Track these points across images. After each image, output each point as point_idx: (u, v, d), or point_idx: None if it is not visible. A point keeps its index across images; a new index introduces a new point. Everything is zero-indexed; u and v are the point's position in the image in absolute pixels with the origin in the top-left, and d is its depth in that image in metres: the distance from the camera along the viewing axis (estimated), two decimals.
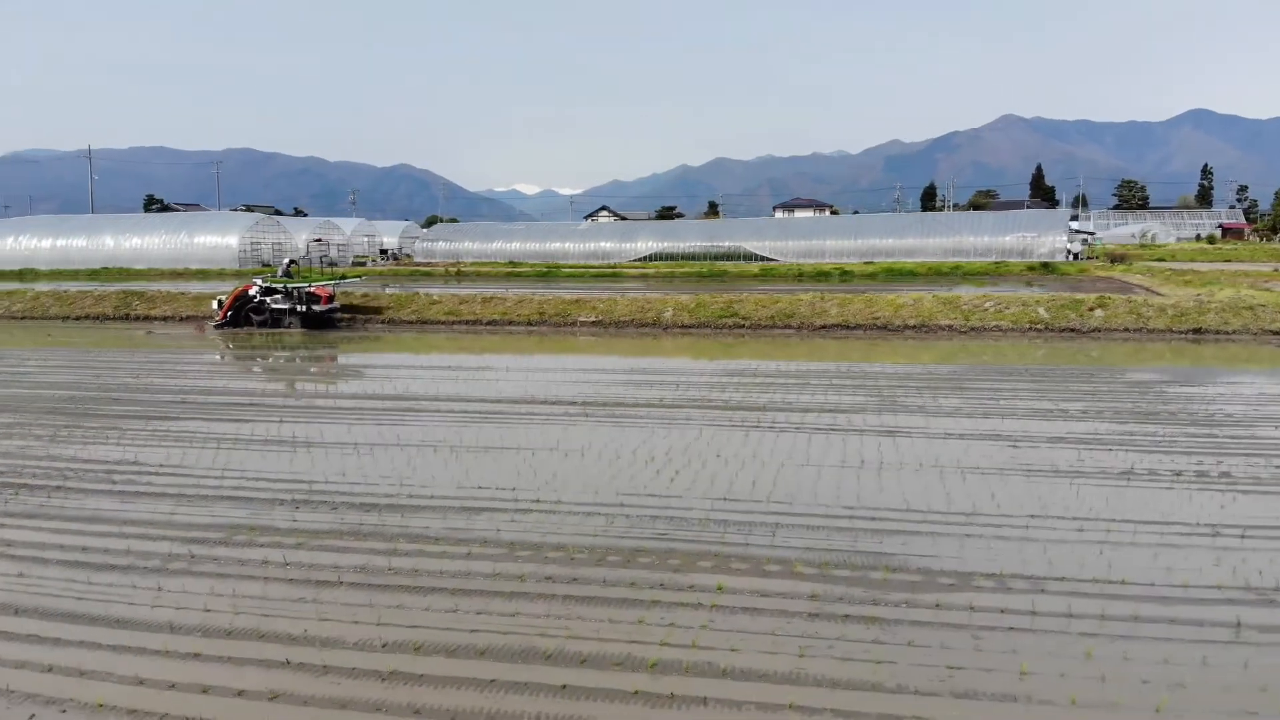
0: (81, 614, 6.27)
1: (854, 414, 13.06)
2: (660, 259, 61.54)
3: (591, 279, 47.18)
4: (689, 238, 64.21)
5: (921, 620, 6.03)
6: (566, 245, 66.15)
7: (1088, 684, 5.15)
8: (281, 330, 26.00)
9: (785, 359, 20.15)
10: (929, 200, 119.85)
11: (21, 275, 52.30)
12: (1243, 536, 7.63)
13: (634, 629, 5.90)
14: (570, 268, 55.79)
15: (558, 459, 10.40)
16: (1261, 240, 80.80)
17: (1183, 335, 23.31)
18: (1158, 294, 28.20)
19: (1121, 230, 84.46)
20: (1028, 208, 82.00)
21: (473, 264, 61.34)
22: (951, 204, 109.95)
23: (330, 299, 26.96)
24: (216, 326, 26.46)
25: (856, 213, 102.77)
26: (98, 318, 29.46)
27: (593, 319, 27.19)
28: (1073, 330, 24.10)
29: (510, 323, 27.34)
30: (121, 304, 29.78)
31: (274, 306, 26.35)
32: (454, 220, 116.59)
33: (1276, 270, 41.98)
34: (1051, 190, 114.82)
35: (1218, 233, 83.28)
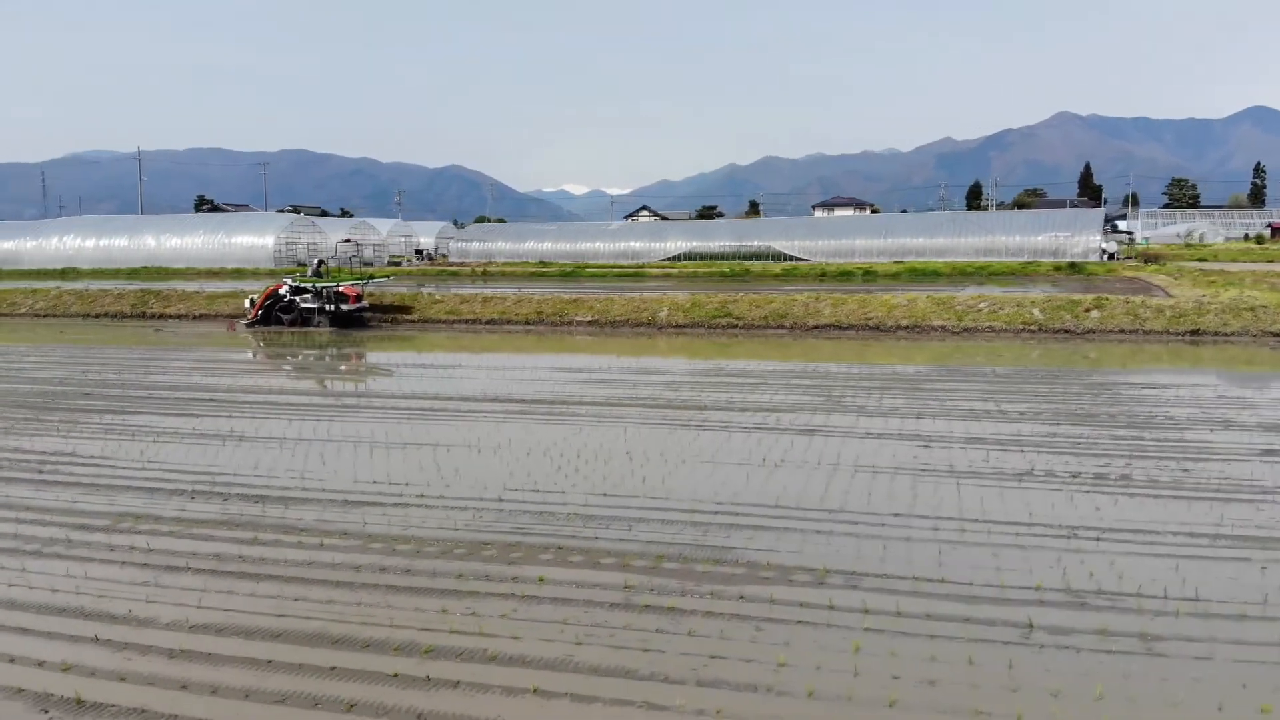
0: None
1: (790, 413, 13.13)
2: (689, 259, 61.65)
3: (615, 278, 47.48)
4: (718, 238, 64.24)
5: (715, 611, 6.16)
6: (597, 245, 66.53)
7: (836, 677, 5.24)
8: (310, 329, 26.34)
9: (762, 359, 20.23)
10: (974, 199, 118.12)
11: (64, 274, 54.05)
12: (1098, 539, 7.62)
13: (433, 617, 6.11)
14: (595, 267, 56.13)
15: (468, 455, 10.66)
16: None
17: (1180, 337, 22.90)
18: (1168, 295, 27.68)
19: (1168, 230, 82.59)
20: (1071, 206, 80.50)
21: (504, 264, 62.02)
22: (995, 202, 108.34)
23: (358, 298, 27.37)
24: (248, 325, 27.01)
25: (905, 211, 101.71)
26: (116, 315, 30.45)
27: (589, 319, 27.45)
28: (1067, 331, 23.79)
29: (508, 322, 27.71)
30: (139, 302, 30.74)
31: (303, 305, 26.86)
32: (501, 220, 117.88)
33: None
34: (1099, 189, 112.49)
35: (1266, 232, 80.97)
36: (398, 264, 66.11)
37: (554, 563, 7.09)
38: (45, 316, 30.97)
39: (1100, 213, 55.54)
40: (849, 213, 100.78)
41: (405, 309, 29.09)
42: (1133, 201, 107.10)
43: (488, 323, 27.76)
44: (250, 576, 6.89)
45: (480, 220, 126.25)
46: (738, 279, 47.02)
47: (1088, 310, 24.50)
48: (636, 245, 65.43)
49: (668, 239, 65.75)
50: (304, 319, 26.80)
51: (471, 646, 5.66)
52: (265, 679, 5.30)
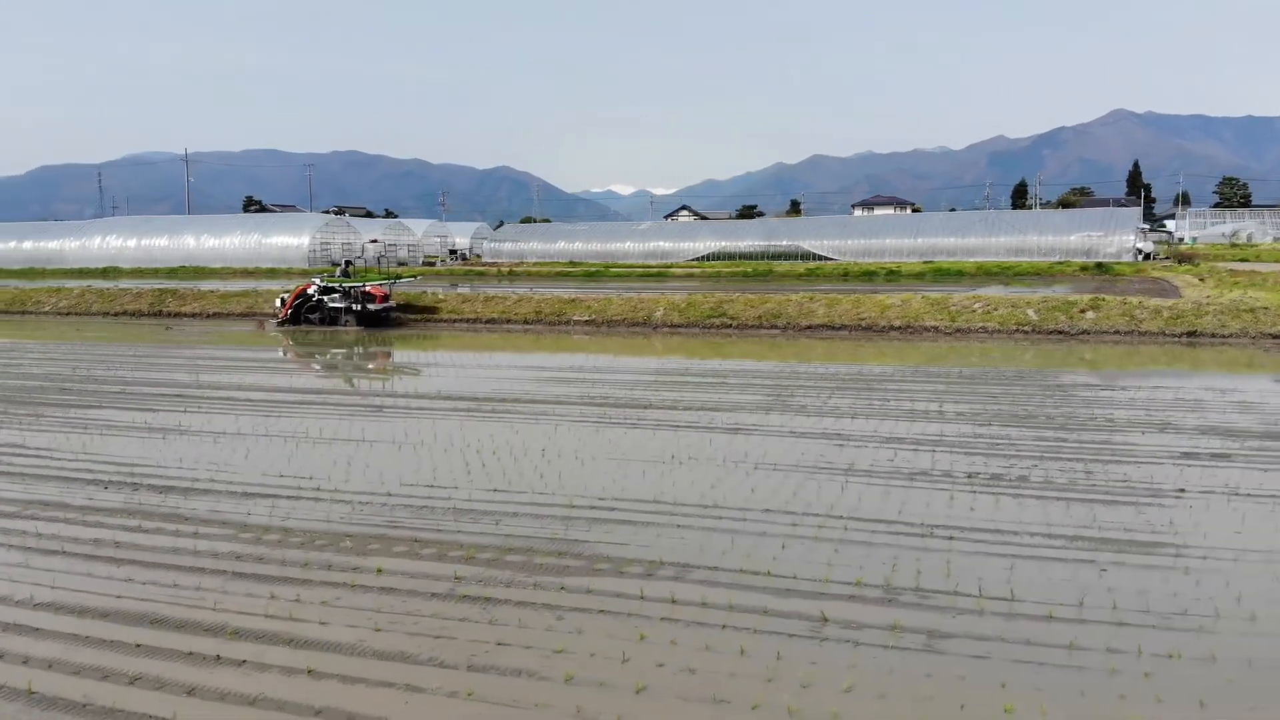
0: None
1: (728, 412, 13.26)
2: (718, 258, 61.74)
3: (639, 278, 47.75)
4: (748, 237, 64.22)
5: (528, 601, 6.37)
6: (627, 245, 66.84)
7: (603, 665, 5.42)
8: (338, 328, 26.77)
9: (738, 358, 20.37)
10: (1020, 197, 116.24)
11: (105, 273, 55.72)
12: (951, 539, 7.68)
13: (258, 602, 6.40)
14: (620, 267, 56.42)
15: (387, 451, 10.97)
16: None
17: (1176, 338, 22.53)
18: (1180, 295, 27.21)
19: (1216, 229, 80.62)
20: (1114, 206, 78.88)
21: (535, 264, 62.62)
22: (1039, 201, 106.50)
23: (385, 298, 27.70)
24: (279, 324, 27.50)
25: (953, 210, 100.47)
26: (134, 314, 31.44)
27: (586, 318, 27.72)
28: (1060, 332, 23.52)
29: (508, 321, 28.09)
30: (156, 301, 31.70)
31: (330, 305, 27.27)
32: (546, 220, 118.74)
33: None
34: (1148, 188, 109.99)
35: None
36: (432, 264, 67.02)
37: (404, 555, 7.34)
38: (68, 315, 32.07)
39: (1135, 212, 54.45)
40: (889, 212, 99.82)
41: (414, 309, 29.55)
42: (1183, 200, 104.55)
43: (487, 322, 28.17)
44: (114, 561, 7.24)
45: (526, 220, 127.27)
46: (761, 279, 47.02)
47: (1083, 311, 24.18)
48: (666, 245, 65.66)
49: (697, 239, 65.89)
50: (331, 318, 27.21)
51: (275, 630, 5.94)
52: (74, 653, 5.63)
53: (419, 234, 72.62)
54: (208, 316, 30.55)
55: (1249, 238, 75.47)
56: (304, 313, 27.65)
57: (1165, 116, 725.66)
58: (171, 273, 55.51)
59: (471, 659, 5.50)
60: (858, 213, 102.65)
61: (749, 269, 52.82)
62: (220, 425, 12.59)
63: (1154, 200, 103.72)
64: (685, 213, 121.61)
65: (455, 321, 28.40)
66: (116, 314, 31.60)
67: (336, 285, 27.74)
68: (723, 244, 63.47)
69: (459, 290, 33.73)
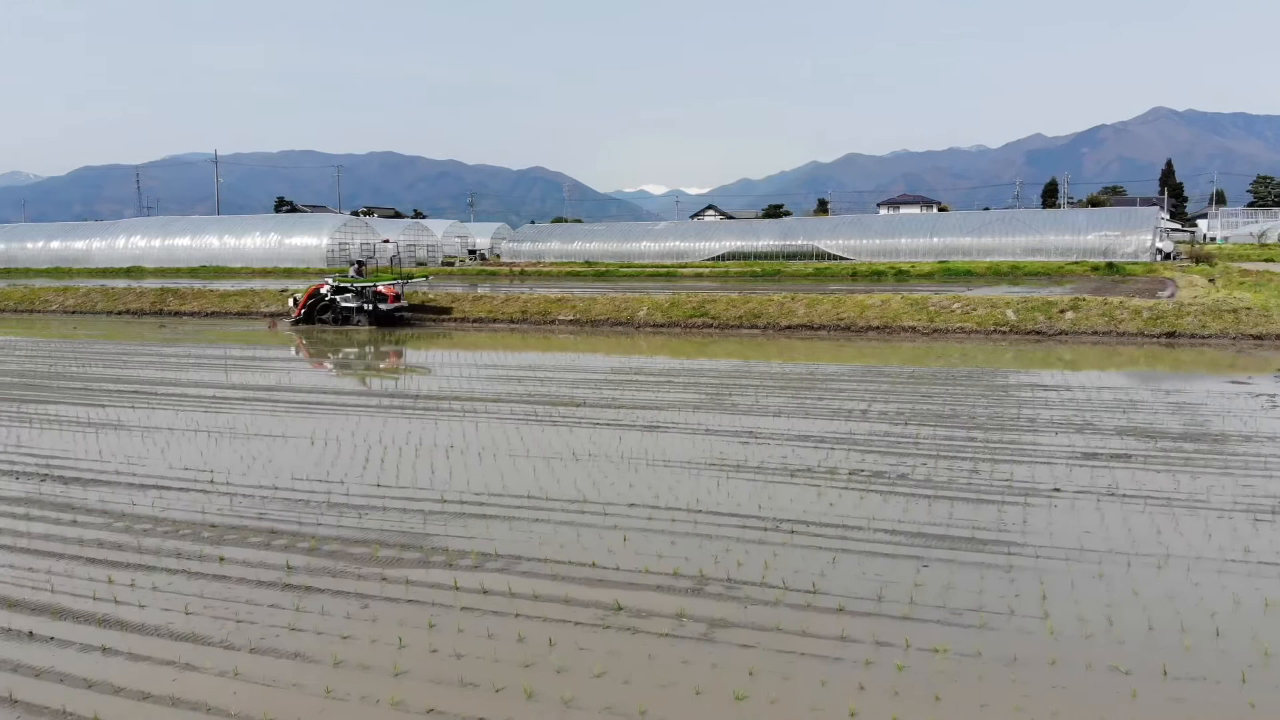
0: None
1: (656, 410, 13.43)
2: (733, 258, 61.82)
3: (648, 278, 47.98)
4: (764, 237, 64.22)
5: (345, 591, 6.60)
6: (644, 245, 67.08)
7: (379, 649, 5.62)
8: (350, 328, 27.09)
9: (698, 357, 20.50)
10: (1050, 196, 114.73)
11: (129, 272, 56.96)
12: (792, 533, 7.80)
13: (94, 585, 6.69)
14: (630, 267, 56.67)
15: (298, 447, 11.27)
16: None
17: (1155, 339, 22.34)
18: (1164, 296, 26.93)
19: (1246, 229, 79.18)
20: (1141, 205, 77.72)
21: (552, 263, 63.06)
22: (1067, 200, 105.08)
23: (397, 298, 27.99)
24: (293, 323, 27.87)
25: (987, 209, 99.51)
26: (136, 313, 32.21)
27: (570, 317, 27.98)
28: (1038, 333, 23.40)
29: (494, 320, 28.44)
30: (158, 300, 32.44)
31: (343, 305, 27.62)
32: (577, 221, 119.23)
33: None
34: (1180, 187, 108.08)
35: None
36: (451, 264, 67.71)
37: (255, 545, 7.61)
38: (73, 313, 32.92)
39: (1153, 212, 53.66)
40: (914, 211, 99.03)
41: (412, 308, 29.86)
42: (1217, 200, 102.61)
43: (474, 321, 28.52)
44: None
45: (557, 220, 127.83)
46: (770, 278, 47.07)
47: (1062, 312, 24.02)
48: (682, 245, 65.83)
49: (713, 239, 66.00)
50: (344, 318, 27.53)
51: (94, 611, 6.22)
52: None
53: (439, 234, 73.34)
54: (206, 315, 31.23)
55: (1279, 237, 74.07)
56: (317, 313, 27.92)
57: (1207, 114, 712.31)
58: (193, 272, 56.61)
59: (259, 642, 5.75)
60: (883, 211, 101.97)
61: (759, 269, 52.86)
62: (158, 420, 12.97)
63: (1185, 199, 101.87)
64: (711, 212, 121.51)
65: (444, 319, 28.74)
66: (120, 313, 32.38)
67: (349, 285, 28.01)
68: (739, 244, 63.51)
69: (449, 289, 34.11)
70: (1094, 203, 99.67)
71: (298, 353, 22.91)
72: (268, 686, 5.21)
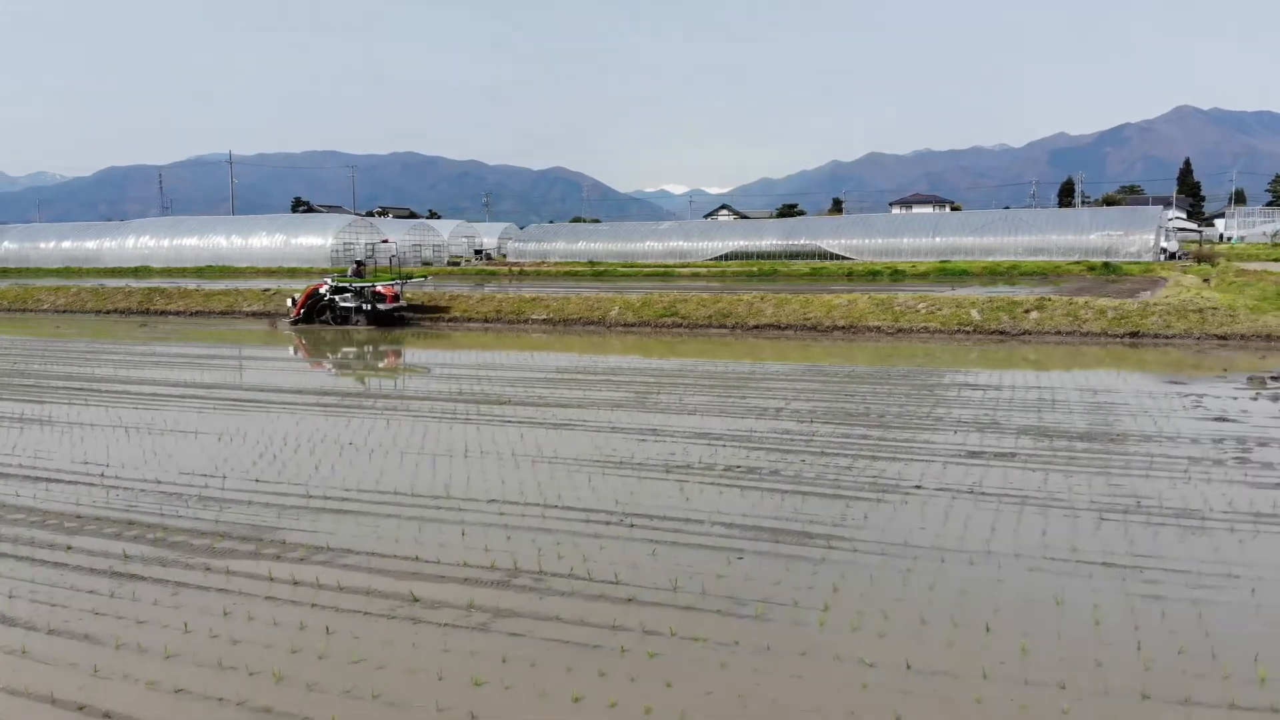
0: None
1: (577, 409, 13.60)
2: (736, 258, 61.84)
3: (644, 277, 48.14)
4: (767, 236, 64.21)
5: (162, 579, 6.83)
6: (648, 245, 67.23)
7: (164, 634, 5.83)
8: (349, 327, 27.25)
9: (649, 356, 20.64)
10: (1067, 196, 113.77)
11: (136, 272, 57.75)
12: (631, 526, 7.95)
13: None
14: (628, 267, 56.82)
15: (203, 443, 11.53)
16: None
17: (1119, 339, 22.26)
18: (1145, 296, 26.79)
19: (1261, 228, 78.19)
20: (1165, 204, 76.96)
21: (556, 263, 63.30)
22: (1083, 199, 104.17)
23: (396, 298, 28.14)
24: (292, 323, 28.04)
25: (1009, 208, 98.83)
26: (124, 312, 32.76)
27: (544, 317, 28.20)
28: (1002, 333, 23.36)
29: (469, 320, 28.71)
30: (145, 300, 32.98)
31: (341, 305, 27.81)
32: (596, 221, 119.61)
33: None
34: (1197, 186, 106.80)
35: None
36: (457, 264, 68.14)
37: (109, 536, 7.85)
38: (64, 312, 33.54)
39: (1156, 211, 53.17)
40: (927, 210, 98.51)
41: (445, 309, 29.89)
42: (1236, 199, 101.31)
43: (449, 320, 28.80)
44: None
45: (575, 220, 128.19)
46: (766, 278, 47.12)
47: (1027, 311, 23.96)
48: (685, 245, 65.91)
49: (716, 238, 66.02)
50: (342, 318, 27.70)
51: None
52: None
53: (445, 235, 73.83)
54: (191, 315, 31.72)
55: None
56: (316, 313, 28.13)
57: (1232, 113, 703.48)
58: (199, 272, 57.33)
59: (60, 625, 5.99)
60: (895, 211, 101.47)
61: (755, 269, 52.87)
62: (86, 417, 13.29)
63: (1203, 198, 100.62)
64: (724, 212, 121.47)
65: (420, 319, 29.03)
66: (108, 312, 32.94)
67: (348, 285, 28.18)
68: (742, 243, 63.53)
69: (442, 289, 34.37)
70: (1109, 202, 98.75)
71: (262, 350, 23.24)
72: (45, 664, 5.44)
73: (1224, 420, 12.45)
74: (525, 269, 57.23)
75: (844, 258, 57.89)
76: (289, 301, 29.28)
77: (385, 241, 51.27)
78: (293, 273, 54.13)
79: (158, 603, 6.40)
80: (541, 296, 29.41)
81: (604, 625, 5.94)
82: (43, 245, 65.35)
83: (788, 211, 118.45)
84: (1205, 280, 40.08)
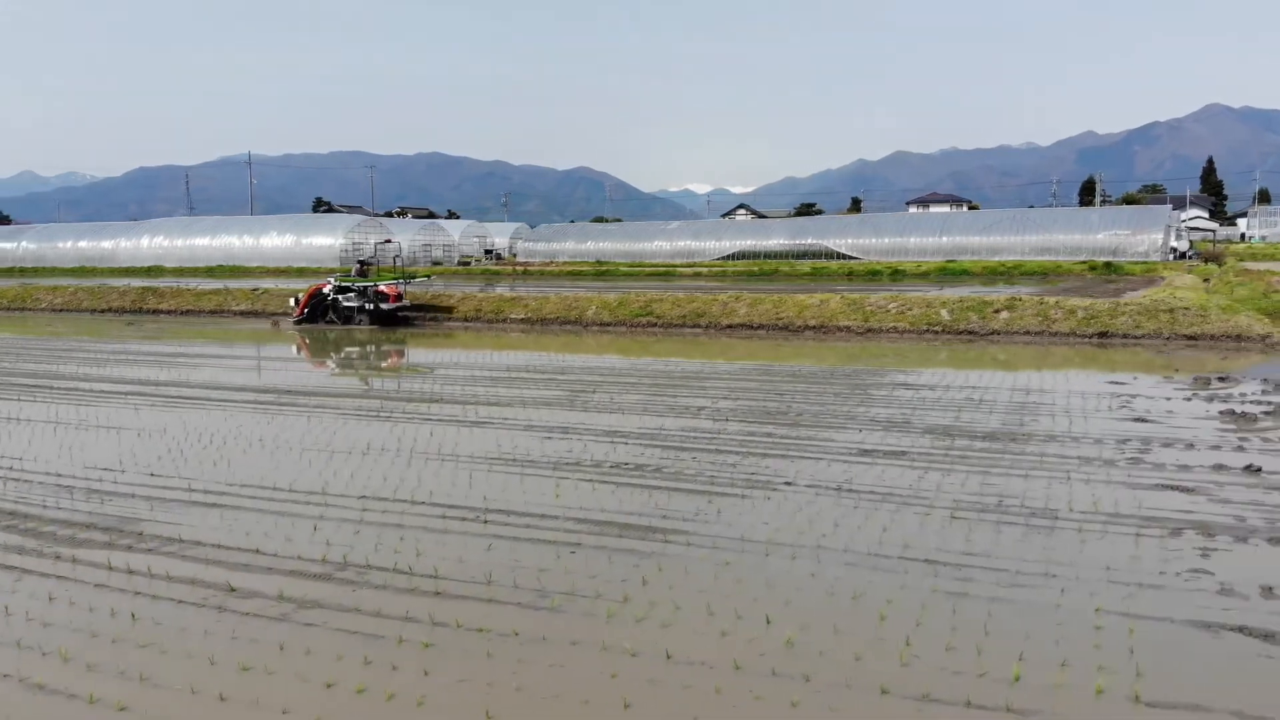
0: None
1: (505, 407, 13.78)
2: (743, 258, 61.83)
3: (646, 277, 48.29)
4: (775, 236, 64.19)
5: (10, 565, 7.09)
6: (656, 244, 67.37)
7: None
8: (352, 327, 27.40)
9: (608, 354, 20.80)
10: (1088, 195, 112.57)
11: (149, 272, 58.66)
12: (485, 522, 8.11)
13: None
14: (639, 267, 56.98)
15: (124, 439, 11.81)
16: None
17: (1087, 339, 22.16)
18: (1133, 295, 26.63)
19: None
20: (1170, 203, 76.00)
21: (564, 263, 63.57)
22: (1102, 198, 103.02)
23: (398, 297, 28.29)
24: (296, 322, 28.20)
25: (1032, 207, 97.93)
26: (118, 310, 33.39)
27: (522, 316, 28.44)
28: (971, 333, 23.30)
29: (450, 319, 28.99)
30: (138, 299, 33.58)
31: (344, 304, 27.97)
32: (618, 220, 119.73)
33: None
34: (1220, 185, 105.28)
35: None
36: (467, 263, 68.60)
37: None
38: (60, 311, 34.22)
39: (1164, 210, 52.56)
40: (944, 209, 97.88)
41: (449, 309, 29.99)
42: (1261, 198, 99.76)
43: (430, 319, 29.10)
44: None
45: (597, 220, 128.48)
46: (766, 277, 47.15)
47: (997, 311, 23.87)
48: (693, 244, 66.00)
49: (724, 238, 66.04)
50: (345, 318, 27.85)
51: None
52: None
53: (456, 235, 74.35)
54: (181, 314, 32.28)
55: None
56: (319, 312, 28.28)
57: (1262, 111, 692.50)
58: (210, 271, 58.14)
59: None
60: (912, 210, 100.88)
61: (756, 269, 52.87)
62: (26, 413, 13.64)
63: (1225, 197, 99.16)
64: (742, 211, 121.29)
65: (409, 318, 29.34)
66: (103, 310, 33.57)
67: (351, 285, 28.35)
68: (749, 243, 63.50)
69: (436, 289, 34.69)
70: (1130, 201, 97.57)
71: (228, 349, 23.60)
72: None
73: (1142, 421, 12.40)
74: (530, 269, 57.54)
75: (851, 257, 57.70)
76: (291, 301, 29.43)
77: (388, 242, 51.78)
78: (301, 272, 54.74)
79: None
80: (522, 296, 29.66)
81: (397, 617, 6.11)
82: (60, 245, 66.56)
83: (805, 211, 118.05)
84: (1205, 280, 39.71)
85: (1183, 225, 58.24)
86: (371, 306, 27.83)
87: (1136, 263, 46.52)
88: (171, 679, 5.27)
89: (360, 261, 33.30)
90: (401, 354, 22.41)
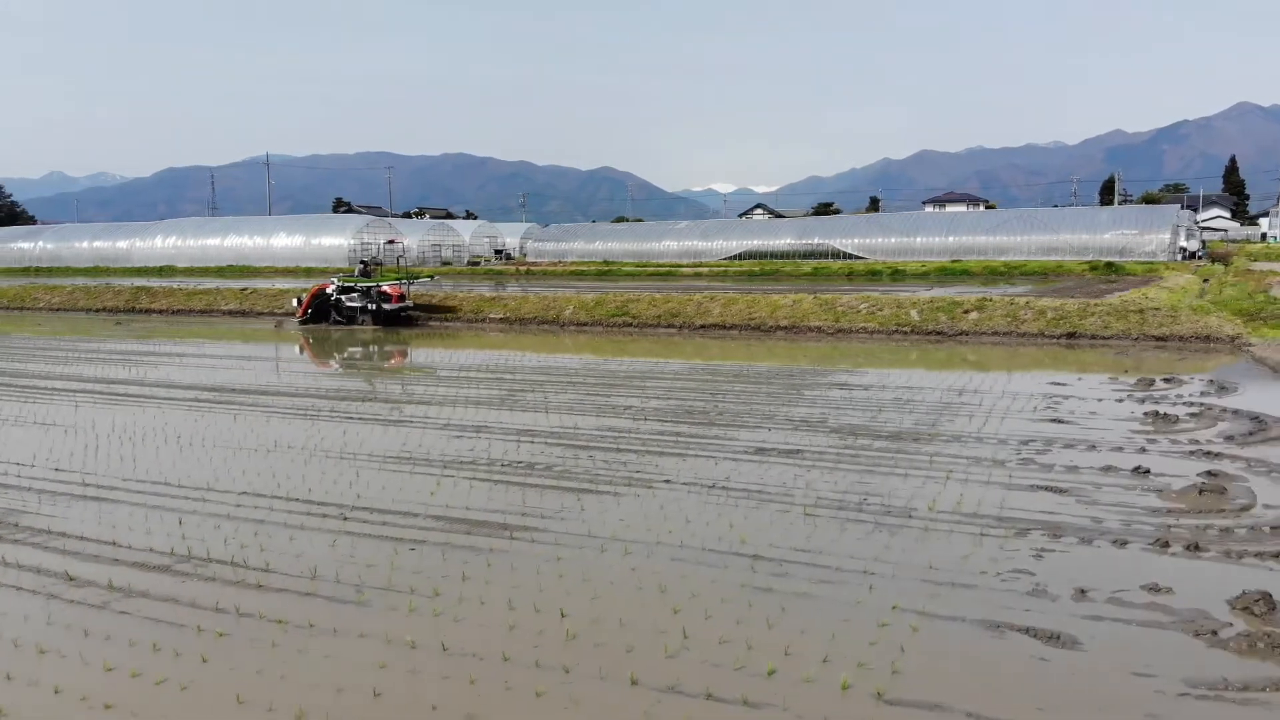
0: None
1: (435, 406, 13.97)
2: (750, 257, 61.85)
3: (647, 278, 48.43)
4: (782, 236, 64.15)
5: None
6: (665, 244, 67.50)
7: None
8: (355, 327, 27.52)
9: (567, 354, 20.98)
10: (1107, 194, 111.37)
11: (161, 271, 59.52)
12: (344, 519, 8.30)
13: None
14: (637, 266, 57.08)
15: (52, 434, 12.12)
16: None
17: (1055, 339, 22.07)
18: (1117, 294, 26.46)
19: None
20: (1187, 202, 75.03)
21: (573, 263, 63.84)
22: (1121, 198, 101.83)
23: (401, 297, 28.32)
24: (300, 322, 28.34)
25: (1057, 206, 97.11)
26: (112, 310, 34.00)
27: (501, 315, 28.67)
28: (939, 333, 23.25)
29: (430, 318, 29.27)
30: (131, 298, 34.18)
31: (348, 304, 28.11)
32: (639, 220, 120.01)
33: None
34: (1242, 184, 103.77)
35: None
36: (476, 263, 69.02)
37: None
38: (57, 310, 34.88)
39: (1173, 210, 51.98)
40: (961, 209, 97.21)
41: (452, 309, 30.26)
42: None
43: (459, 320, 29.32)
44: None
45: (619, 220, 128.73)
46: (767, 277, 47.19)
47: (966, 312, 23.79)
48: (700, 245, 66.05)
49: (732, 238, 66.05)
50: (349, 318, 27.97)
51: None
52: None
53: (467, 235, 74.84)
54: (172, 313, 32.82)
55: None
56: (323, 312, 28.40)
57: None
58: (220, 271, 58.95)
59: None
60: (928, 209, 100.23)
61: (759, 268, 52.87)
62: None
63: (1248, 196, 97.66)
64: (760, 211, 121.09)
65: (449, 320, 29.61)
66: (98, 310, 34.19)
67: (354, 285, 28.50)
68: (757, 243, 63.47)
69: (445, 287, 34.99)
70: (1150, 200, 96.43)
71: (197, 347, 23.98)
72: None
73: (1058, 422, 12.40)
74: (534, 269, 57.83)
75: (858, 257, 57.53)
76: (294, 301, 29.54)
77: (392, 242, 52.25)
78: (309, 272, 55.32)
79: None
80: (501, 296, 29.91)
81: (208, 608, 6.30)
82: (76, 245, 67.73)
83: (822, 210, 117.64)
84: (1205, 280, 39.32)
85: (1195, 225, 57.49)
86: (374, 307, 27.90)
87: (1140, 263, 46.05)
88: None
89: (363, 261, 33.58)
90: (367, 353, 22.68)
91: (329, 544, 7.61)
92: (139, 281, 43.80)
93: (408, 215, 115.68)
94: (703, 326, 25.74)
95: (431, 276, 41.26)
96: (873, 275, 47.12)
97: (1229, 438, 11.44)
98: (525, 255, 75.67)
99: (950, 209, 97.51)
